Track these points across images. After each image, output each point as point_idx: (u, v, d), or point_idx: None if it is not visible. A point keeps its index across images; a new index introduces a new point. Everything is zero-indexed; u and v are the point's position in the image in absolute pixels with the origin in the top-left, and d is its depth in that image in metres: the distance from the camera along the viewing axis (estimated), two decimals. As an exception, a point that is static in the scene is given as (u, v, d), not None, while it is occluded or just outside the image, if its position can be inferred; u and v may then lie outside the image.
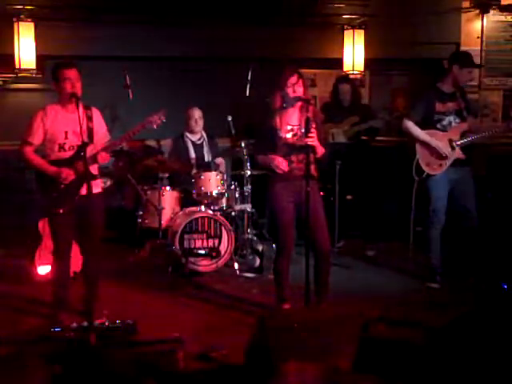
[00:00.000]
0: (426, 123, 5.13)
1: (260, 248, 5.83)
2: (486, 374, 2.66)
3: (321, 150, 4.32)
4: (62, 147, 4.29)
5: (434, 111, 5.11)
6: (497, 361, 2.67)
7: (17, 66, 6.62)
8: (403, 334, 3.08)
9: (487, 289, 5.04)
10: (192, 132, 6.32)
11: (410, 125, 5.13)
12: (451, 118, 5.13)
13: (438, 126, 5.13)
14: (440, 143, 5.09)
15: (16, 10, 6.56)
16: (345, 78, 6.80)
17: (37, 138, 4.28)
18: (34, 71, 6.66)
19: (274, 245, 4.93)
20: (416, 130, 5.12)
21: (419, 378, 2.77)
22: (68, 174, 4.25)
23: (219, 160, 6.40)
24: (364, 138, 6.63)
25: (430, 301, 4.87)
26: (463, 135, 5.12)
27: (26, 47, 6.58)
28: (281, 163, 4.28)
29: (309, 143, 4.11)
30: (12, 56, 6.60)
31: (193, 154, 6.28)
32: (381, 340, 3.02)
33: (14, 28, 6.56)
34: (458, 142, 5.11)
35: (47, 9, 6.65)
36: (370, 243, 6.50)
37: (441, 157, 5.11)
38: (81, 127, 4.03)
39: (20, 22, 6.57)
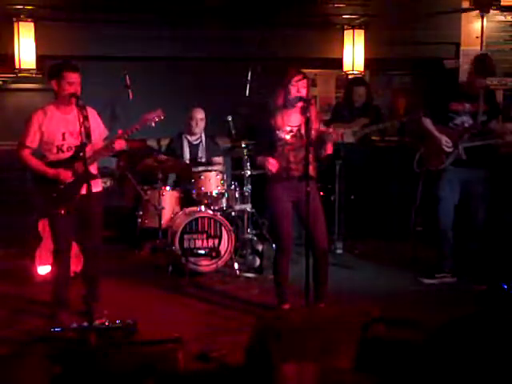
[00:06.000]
0: (438, 120, 5.14)
1: (260, 248, 5.83)
2: (486, 375, 2.66)
3: (330, 149, 4.36)
4: (60, 149, 4.29)
5: (449, 109, 5.10)
6: (497, 361, 2.67)
7: (17, 66, 6.63)
8: (403, 334, 3.08)
9: (488, 289, 5.04)
10: (191, 133, 6.30)
11: (428, 122, 5.19)
12: (464, 118, 5.10)
13: (450, 124, 5.12)
14: (445, 139, 5.09)
15: (16, 9, 6.56)
16: (359, 80, 6.79)
17: (35, 141, 4.28)
18: (34, 71, 6.66)
19: (273, 245, 4.93)
20: (428, 122, 5.18)
21: (419, 378, 2.76)
22: (66, 175, 4.25)
23: (217, 159, 6.38)
24: (374, 138, 6.65)
25: (430, 301, 4.87)
26: (471, 137, 5.09)
27: (26, 47, 6.59)
28: (271, 164, 4.28)
29: (334, 135, 4.20)
30: (12, 56, 6.61)
31: (187, 155, 6.27)
32: (381, 340, 3.02)
33: (14, 28, 6.57)
34: (464, 144, 5.09)
35: (47, 9, 6.66)
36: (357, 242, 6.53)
37: (442, 153, 5.11)
38: (81, 127, 4.03)
39: (20, 22, 6.58)
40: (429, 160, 5.26)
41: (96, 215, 4.32)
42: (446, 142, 5.10)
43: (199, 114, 6.24)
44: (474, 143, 5.08)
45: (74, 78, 4.21)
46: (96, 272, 4.55)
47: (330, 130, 4.41)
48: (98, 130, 4.44)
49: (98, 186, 4.42)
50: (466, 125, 5.11)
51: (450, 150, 5.10)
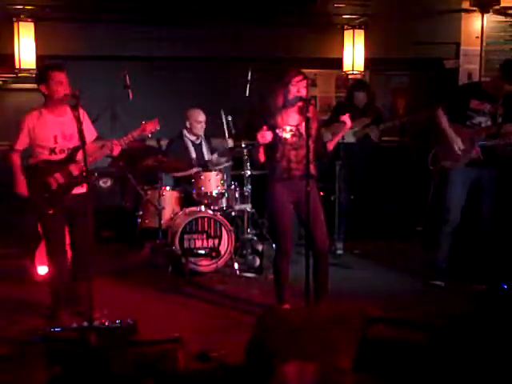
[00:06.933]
0: (456, 117, 5.08)
1: (260, 248, 5.83)
2: (486, 374, 2.66)
3: (333, 143, 4.49)
4: (52, 151, 4.31)
5: (468, 107, 5.03)
6: (497, 361, 2.68)
7: (17, 66, 6.64)
8: (403, 334, 3.08)
9: (488, 289, 5.04)
10: (193, 134, 6.31)
11: (441, 114, 5.10)
12: (483, 118, 5.03)
13: (468, 122, 5.05)
14: (459, 139, 5.04)
15: (16, 9, 6.57)
16: (360, 85, 6.79)
17: (24, 144, 4.33)
18: (34, 71, 6.65)
19: (274, 245, 4.94)
20: (444, 121, 5.09)
21: (419, 378, 2.77)
22: (57, 178, 4.29)
23: (214, 157, 6.39)
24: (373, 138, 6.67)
25: (430, 301, 4.87)
26: (487, 137, 5.04)
27: (26, 47, 6.59)
28: (261, 134, 4.24)
29: (347, 123, 4.31)
30: (12, 56, 6.61)
31: (193, 154, 6.29)
32: (381, 340, 3.02)
33: (14, 28, 6.58)
34: (479, 143, 5.04)
35: (47, 9, 6.66)
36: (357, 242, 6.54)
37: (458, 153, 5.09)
38: (79, 130, 4.03)
39: (20, 22, 6.58)
40: (445, 158, 5.16)
41: (87, 215, 4.35)
42: (459, 146, 5.04)
43: (203, 116, 6.27)
44: (489, 144, 5.03)
45: (61, 77, 4.23)
46: (86, 273, 4.54)
47: (343, 118, 4.40)
48: (89, 132, 4.46)
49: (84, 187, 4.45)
50: (483, 125, 5.03)
51: (459, 153, 5.05)
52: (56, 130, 4.30)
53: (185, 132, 6.32)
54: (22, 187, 4.35)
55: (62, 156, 4.33)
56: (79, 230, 4.39)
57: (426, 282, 5.28)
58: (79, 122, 4.00)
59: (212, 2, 6.80)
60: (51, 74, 4.21)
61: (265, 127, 4.27)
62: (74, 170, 4.31)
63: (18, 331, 4.18)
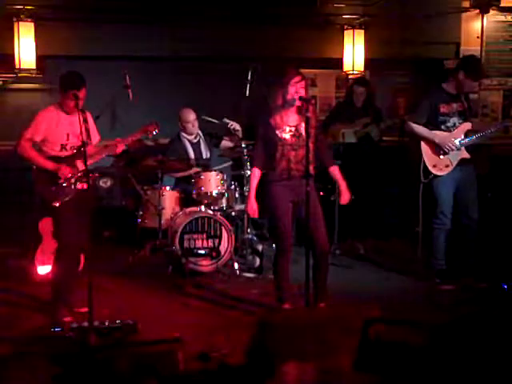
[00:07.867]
0: (431, 125, 5.13)
1: (260, 248, 5.83)
2: (486, 375, 2.66)
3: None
4: (63, 147, 4.42)
5: (438, 113, 5.11)
6: (497, 361, 2.68)
7: (17, 66, 6.64)
8: (403, 334, 3.08)
9: (487, 289, 5.04)
10: (188, 133, 6.32)
11: (414, 125, 5.15)
12: (455, 119, 5.14)
13: (443, 127, 5.14)
14: (442, 138, 5.08)
15: (16, 9, 6.57)
16: (361, 82, 6.79)
17: (40, 137, 4.39)
18: (34, 71, 6.67)
19: (274, 245, 4.94)
20: (419, 128, 5.14)
21: (419, 378, 2.77)
22: (66, 170, 4.37)
23: (227, 143, 6.40)
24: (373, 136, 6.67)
25: (430, 301, 4.87)
26: (467, 135, 5.14)
27: (26, 47, 6.60)
28: (251, 208, 4.48)
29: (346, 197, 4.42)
30: (12, 56, 6.61)
31: (192, 154, 6.29)
32: (381, 340, 3.02)
33: (14, 28, 6.58)
34: (463, 141, 5.12)
35: (47, 9, 6.66)
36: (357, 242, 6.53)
37: (446, 156, 5.11)
38: (84, 130, 4.09)
39: (20, 22, 6.58)
40: (435, 167, 5.16)
41: (88, 212, 4.41)
42: (444, 142, 5.08)
43: (192, 115, 6.26)
44: (475, 138, 5.12)
45: (79, 94, 4.29)
46: (75, 271, 4.57)
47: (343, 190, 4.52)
48: (94, 133, 4.61)
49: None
50: (458, 125, 5.13)
51: (450, 148, 5.09)
52: (68, 128, 4.42)
53: (181, 132, 6.32)
54: (66, 169, 4.37)
55: (70, 153, 4.44)
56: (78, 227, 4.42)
57: (436, 287, 5.21)
58: (84, 121, 4.08)
59: (212, 3, 6.80)
60: (71, 91, 4.28)
61: (255, 205, 4.45)
62: (80, 165, 4.41)
63: (18, 331, 4.18)
